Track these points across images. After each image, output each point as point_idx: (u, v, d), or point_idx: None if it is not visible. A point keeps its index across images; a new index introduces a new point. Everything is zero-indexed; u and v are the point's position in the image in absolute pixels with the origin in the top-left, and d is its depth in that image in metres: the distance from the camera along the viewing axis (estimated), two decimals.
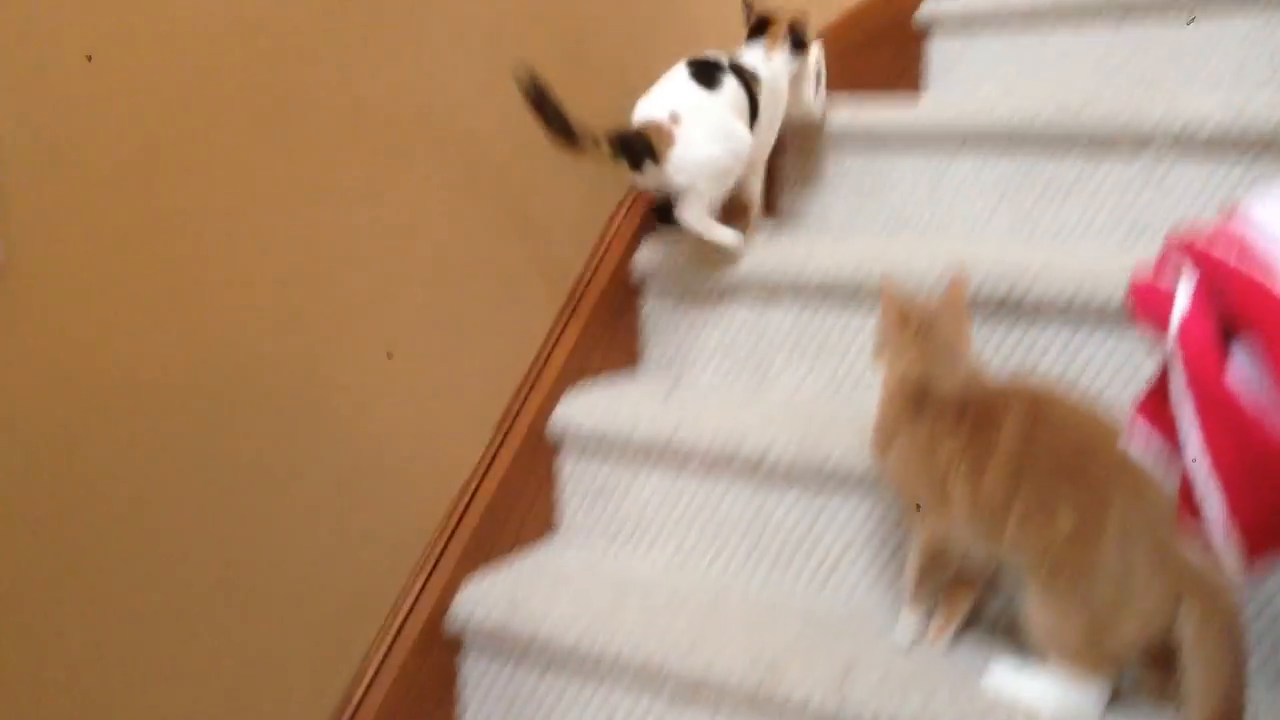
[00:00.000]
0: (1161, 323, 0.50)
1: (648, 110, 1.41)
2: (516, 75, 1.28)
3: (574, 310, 1.54)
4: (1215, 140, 1.38)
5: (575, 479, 1.48)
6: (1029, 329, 1.34)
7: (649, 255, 1.59)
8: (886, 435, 1.16)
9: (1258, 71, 1.54)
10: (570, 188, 1.53)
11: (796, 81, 1.62)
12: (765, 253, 1.50)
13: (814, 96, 1.66)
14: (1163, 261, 0.53)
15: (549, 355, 1.51)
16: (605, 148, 1.35)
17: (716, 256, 1.53)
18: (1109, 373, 1.31)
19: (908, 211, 1.67)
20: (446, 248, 1.35)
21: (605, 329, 1.57)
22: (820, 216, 1.75)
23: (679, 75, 1.44)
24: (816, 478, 1.31)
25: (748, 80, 1.49)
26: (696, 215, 1.44)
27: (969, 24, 1.90)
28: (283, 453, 1.16)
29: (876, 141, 1.68)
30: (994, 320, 1.36)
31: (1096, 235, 1.50)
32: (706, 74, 1.43)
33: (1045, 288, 1.31)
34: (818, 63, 1.66)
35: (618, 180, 1.61)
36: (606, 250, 1.58)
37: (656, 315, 1.61)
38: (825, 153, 1.73)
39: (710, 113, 1.41)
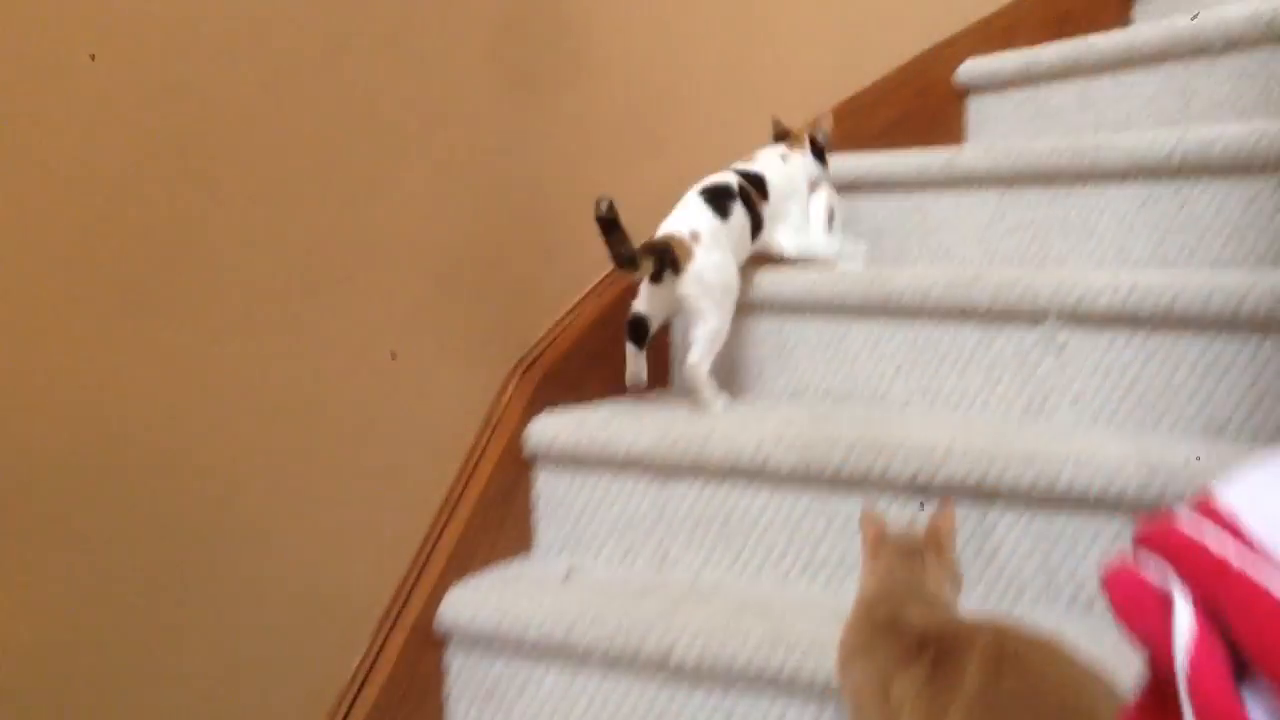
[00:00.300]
0: (1153, 632, 0.44)
1: (670, 227, 1.50)
2: (597, 203, 1.38)
3: (463, 491, 1.44)
4: (1110, 316, 1.37)
5: (464, 679, 1.36)
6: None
7: (542, 429, 1.51)
8: (846, 654, 1.07)
9: (1140, 244, 1.55)
10: (456, 360, 1.46)
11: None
12: (666, 426, 1.44)
13: (826, 235, 1.71)
14: (1139, 549, 0.47)
15: (436, 541, 1.41)
16: (647, 263, 1.45)
17: (612, 431, 1.46)
18: (1021, 555, 1.27)
19: (809, 378, 1.63)
20: (335, 424, 1.26)
21: (496, 509, 1.47)
22: (721, 383, 1.70)
23: (694, 201, 1.54)
24: (725, 677, 1.23)
25: (750, 198, 1.59)
26: (701, 353, 1.50)
27: (855, 189, 1.90)
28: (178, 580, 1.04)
29: (777, 307, 1.64)
30: (903, 501, 1.32)
31: (999, 405, 1.48)
32: (719, 202, 1.54)
33: (954, 468, 1.28)
34: (830, 205, 1.73)
35: (507, 351, 1.54)
36: (496, 425, 1.50)
37: (550, 493, 1.52)
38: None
39: (722, 246, 1.52)
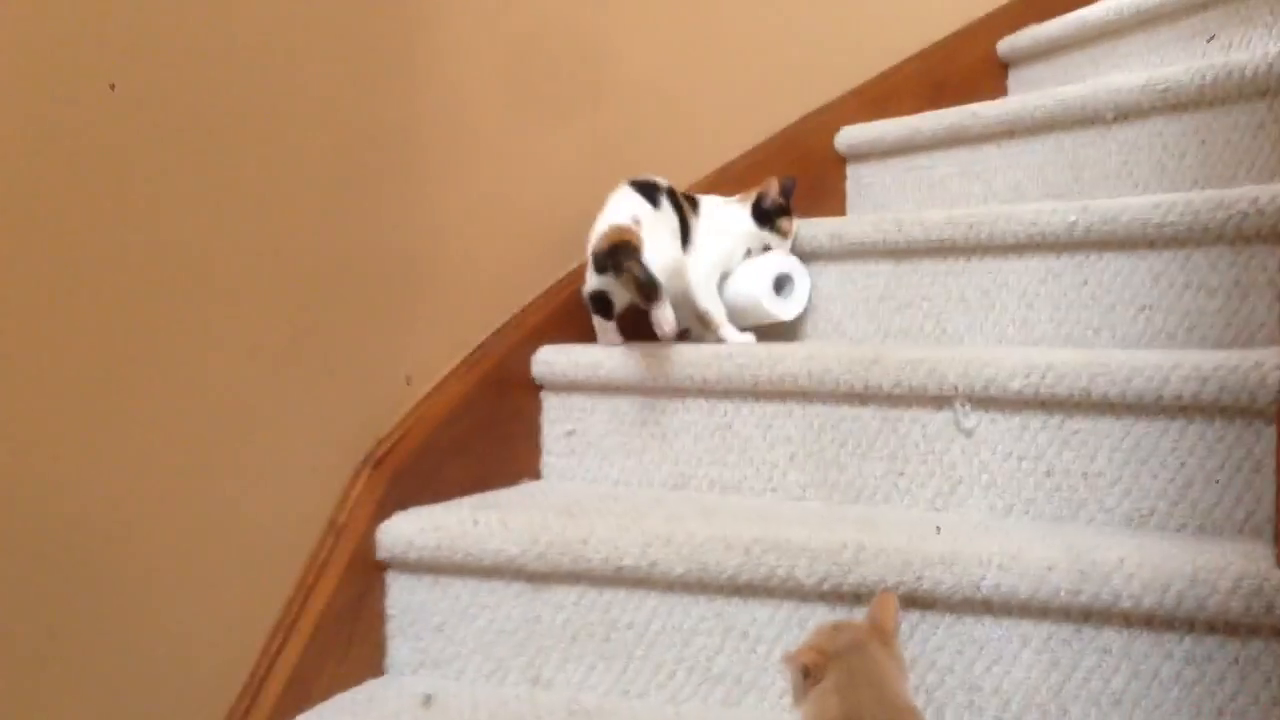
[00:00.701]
0: None
1: (611, 219, 1.49)
2: (612, 229, 1.45)
3: (302, 606, 1.24)
4: (1024, 399, 1.27)
5: None
6: (850, 615, 1.16)
7: (396, 532, 1.32)
8: None
9: (1043, 321, 1.46)
10: (296, 451, 1.26)
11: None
12: (539, 526, 1.27)
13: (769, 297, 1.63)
14: None
15: (269, 668, 1.20)
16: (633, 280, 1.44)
17: (478, 532, 1.28)
18: (941, 668, 1.14)
19: (695, 467, 1.48)
20: (152, 532, 1.04)
21: (342, 626, 1.27)
22: (592, 477, 1.54)
23: (626, 191, 1.53)
24: None
25: (681, 204, 1.59)
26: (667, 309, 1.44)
27: None
28: None
29: (657, 389, 1.50)
30: (810, 607, 1.18)
31: (904, 493, 1.35)
32: (648, 192, 1.54)
33: (866, 572, 1.14)
34: (784, 269, 1.65)
35: (357, 437, 1.35)
36: (343, 528, 1.30)
37: (405, 604, 1.33)
38: (597, 400, 1.54)
39: (659, 226, 1.50)
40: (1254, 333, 1.31)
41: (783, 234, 1.63)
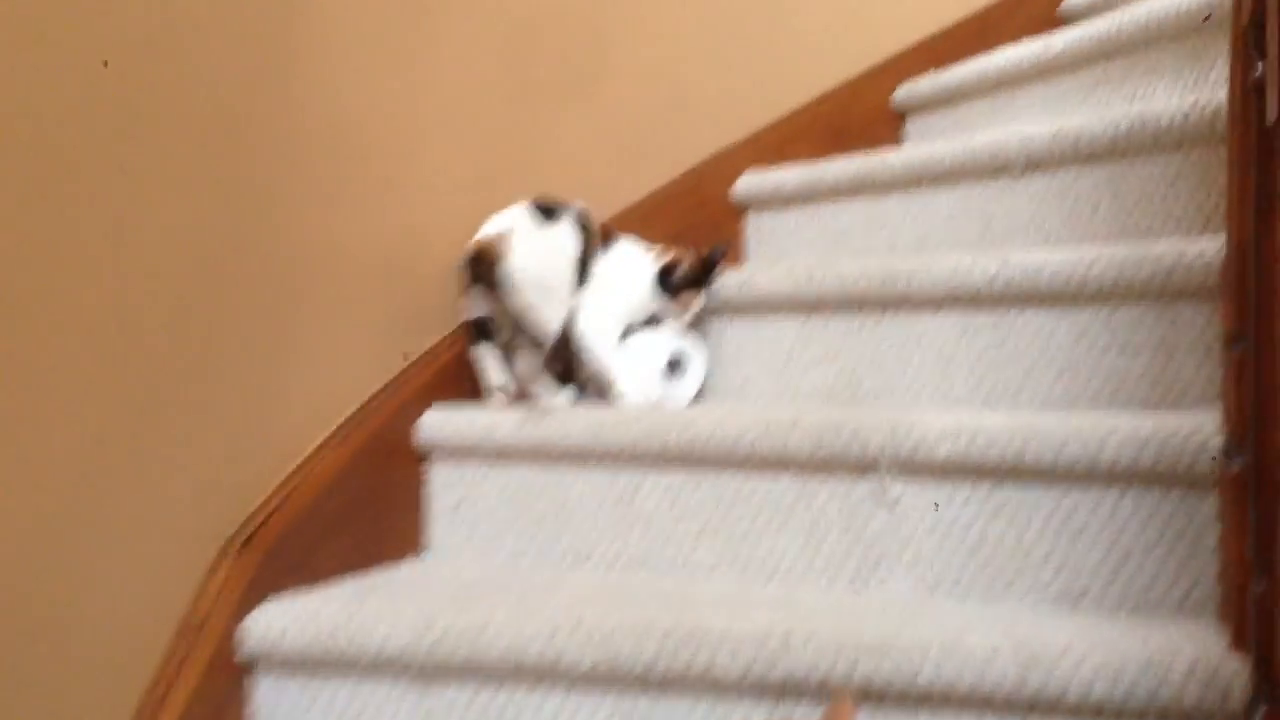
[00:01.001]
0: None
1: (482, 231, 1.43)
2: (477, 240, 1.42)
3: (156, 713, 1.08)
4: (951, 466, 1.19)
5: None
6: (777, 707, 1.06)
7: (265, 625, 1.17)
8: None
9: (961, 380, 1.39)
10: (147, 533, 1.10)
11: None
12: (429, 614, 1.14)
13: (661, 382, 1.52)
14: None
15: None
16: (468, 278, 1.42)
17: (359, 622, 1.14)
18: None
19: (595, 542, 1.37)
20: None
21: None
22: (482, 553, 1.41)
23: (513, 208, 1.46)
24: None
25: (590, 233, 1.50)
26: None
27: None
28: None
29: (555, 455, 1.38)
30: (732, 701, 1.07)
31: (822, 572, 1.26)
32: (546, 209, 1.47)
33: (794, 662, 1.04)
34: (678, 351, 1.54)
35: (220, 514, 1.20)
36: (201, 624, 1.14)
37: (274, 708, 1.18)
38: (490, 467, 1.42)
39: (541, 239, 1.44)
40: (1181, 393, 1.26)
41: (682, 307, 1.54)
